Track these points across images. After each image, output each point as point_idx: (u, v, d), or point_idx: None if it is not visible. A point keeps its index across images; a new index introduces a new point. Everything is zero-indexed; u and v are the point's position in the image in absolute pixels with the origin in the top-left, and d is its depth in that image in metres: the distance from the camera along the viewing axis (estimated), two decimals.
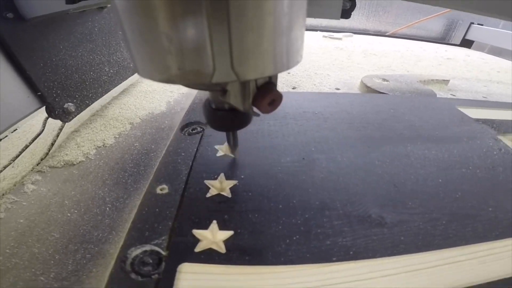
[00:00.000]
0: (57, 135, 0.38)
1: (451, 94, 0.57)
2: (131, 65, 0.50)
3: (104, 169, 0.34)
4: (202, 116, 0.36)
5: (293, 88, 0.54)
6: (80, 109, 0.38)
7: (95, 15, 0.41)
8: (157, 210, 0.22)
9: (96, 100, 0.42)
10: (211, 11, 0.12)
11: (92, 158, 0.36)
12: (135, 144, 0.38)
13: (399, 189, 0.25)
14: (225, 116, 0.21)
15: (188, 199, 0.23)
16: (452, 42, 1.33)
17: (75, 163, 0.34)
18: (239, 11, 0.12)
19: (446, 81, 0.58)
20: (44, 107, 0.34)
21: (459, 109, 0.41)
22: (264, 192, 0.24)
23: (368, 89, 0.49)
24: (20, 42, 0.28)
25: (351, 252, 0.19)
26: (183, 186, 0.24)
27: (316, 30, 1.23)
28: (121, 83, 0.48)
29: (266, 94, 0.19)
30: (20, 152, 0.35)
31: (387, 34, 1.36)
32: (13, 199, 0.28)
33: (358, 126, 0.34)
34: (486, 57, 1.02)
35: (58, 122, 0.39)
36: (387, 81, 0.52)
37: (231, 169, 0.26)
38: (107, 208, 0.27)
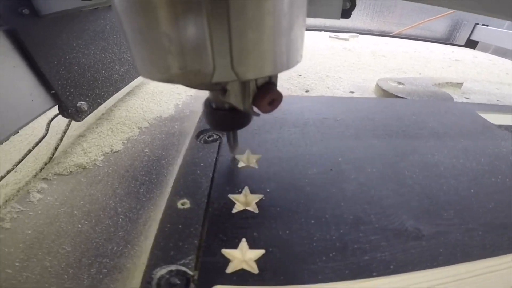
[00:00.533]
0: (61, 139, 0.37)
1: (466, 97, 0.56)
2: None
3: (114, 177, 0.32)
4: None
5: (306, 92, 0.53)
6: (92, 108, 0.37)
7: (107, 13, 0.40)
8: (180, 226, 0.21)
9: (108, 99, 0.41)
10: (211, 11, 0.12)
11: (100, 165, 0.34)
12: (145, 150, 0.37)
13: (432, 200, 0.24)
14: (225, 116, 0.21)
15: (213, 215, 0.22)
16: (457, 43, 1.32)
17: (82, 170, 0.33)
18: (239, 11, 0.12)
19: (459, 84, 0.58)
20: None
21: (479, 114, 0.40)
22: (293, 207, 0.22)
23: (385, 93, 0.48)
24: (35, 39, 0.28)
25: (391, 267, 0.19)
26: (205, 201, 0.23)
27: (321, 30, 1.22)
28: (131, 82, 0.48)
29: (266, 93, 0.18)
30: (23, 157, 0.34)
31: (391, 34, 1.34)
32: (19, 208, 0.27)
33: (382, 133, 0.33)
34: (493, 58, 1.01)
35: (62, 125, 0.38)
36: (402, 84, 0.51)
37: (255, 182, 0.25)
38: (120, 219, 0.26)
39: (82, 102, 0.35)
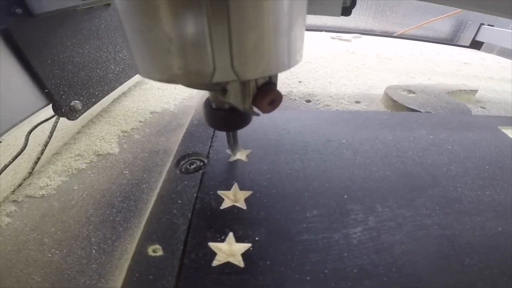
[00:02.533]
0: (42, 152, 0.35)
1: (481, 106, 0.52)
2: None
3: (89, 202, 0.29)
4: (202, 144, 0.30)
5: (307, 101, 0.48)
6: (86, 107, 0.37)
7: (102, 12, 0.40)
8: (150, 277, 0.17)
9: (102, 98, 0.40)
10: (211, 11, 0.11)
11: (75, 187, 0.31)
12: (125, 172, 0.33)
13: (454, 244, 0.21)
14: (225, 116, 0.21)
15: (189, 267, 0.18)
16: (461, 44, 1.28)
17: (55, 193, 0.30)
18: (239, 11, 0.12)
19: (473, 91, 0.53)
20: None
21: (502, 130, 0.36)
22: (287, 260, 0.18)
23: (395, 104, 0.43)
24: (28, 38, 0.28)
25: None
26: (181, 248, 0.19)
27: (322, 30, 1.17)
28: (126, 81, 0.47)
29: (266, 94, 0.18)
30: (0, 172, 0.32)
31: (395, 34, 1.30)
32: None
33: (395, 161, 0.28)
34: (501, 60, 0.97)
35: (43, 138, 0.36)
36: (413, 93, 0.46)
37: (242, 227, 0.20)
38: (93, 251, 0.23)
39: (76, 101, 0.34)
